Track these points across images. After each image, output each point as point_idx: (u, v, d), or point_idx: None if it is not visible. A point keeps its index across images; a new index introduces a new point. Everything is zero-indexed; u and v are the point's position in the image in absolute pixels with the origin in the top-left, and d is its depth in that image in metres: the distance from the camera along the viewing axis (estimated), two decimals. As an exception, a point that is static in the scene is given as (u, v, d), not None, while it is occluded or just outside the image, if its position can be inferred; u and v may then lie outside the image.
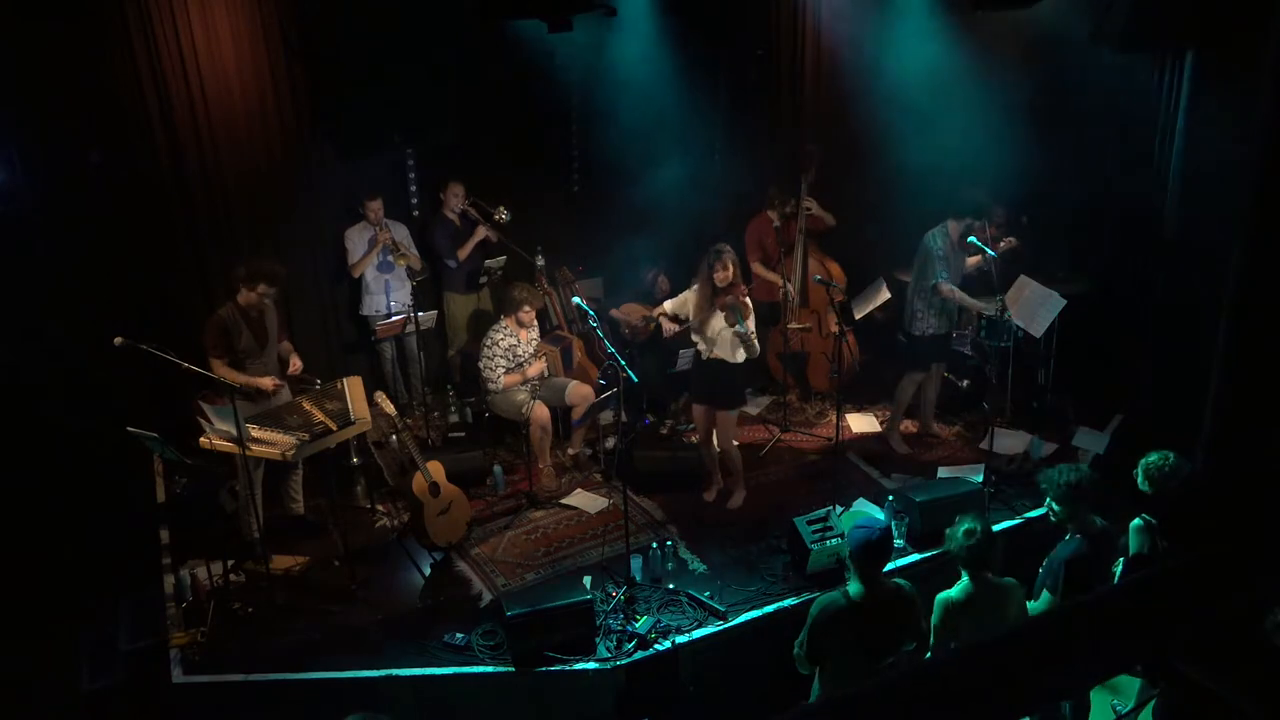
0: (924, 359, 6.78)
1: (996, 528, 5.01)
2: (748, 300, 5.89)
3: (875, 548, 3.96)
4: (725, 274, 5.74)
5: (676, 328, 6.17)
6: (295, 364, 5.96)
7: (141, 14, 6.12)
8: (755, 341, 5.87)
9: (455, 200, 7.33)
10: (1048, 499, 4.51)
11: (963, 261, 6.63)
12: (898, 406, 7.01)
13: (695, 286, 5.95)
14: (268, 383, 5.69)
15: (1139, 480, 4.62)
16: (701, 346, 6.01)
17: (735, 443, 6.27)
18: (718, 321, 5.83)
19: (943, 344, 6.76)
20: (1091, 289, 7.00)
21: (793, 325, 7.59)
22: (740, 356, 5.91)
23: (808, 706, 1.37)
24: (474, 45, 7.15)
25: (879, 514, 5.98)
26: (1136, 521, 4.51)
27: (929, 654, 4.23)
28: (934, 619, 4.20)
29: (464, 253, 7.33)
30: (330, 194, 7.15)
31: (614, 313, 7.60)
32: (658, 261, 7.87)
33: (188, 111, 6.40)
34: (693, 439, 7.15)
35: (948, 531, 4.28)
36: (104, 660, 5.01)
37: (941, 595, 4.21)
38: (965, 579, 4.18)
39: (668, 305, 6.15)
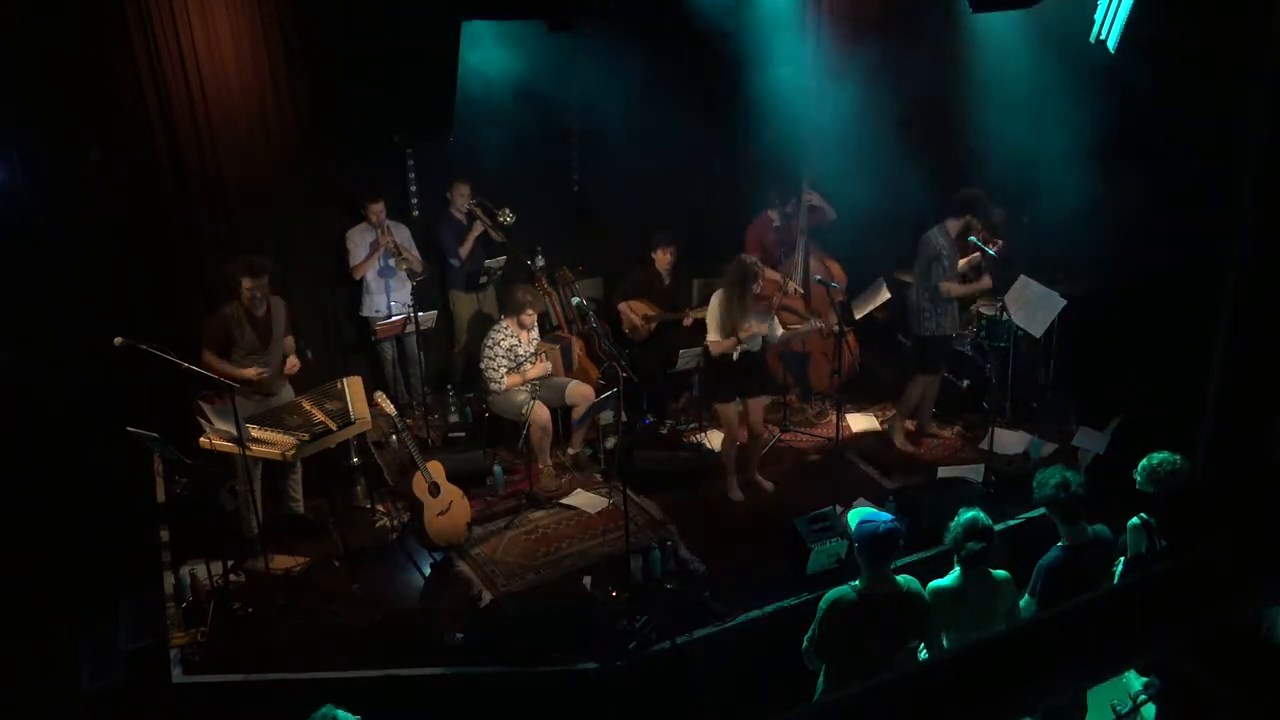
0: (935, 360, 6.78)
1: (996, 528, 5.01)
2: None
3: (880, 542, 3.94)
4: (759, 285, 6.10)
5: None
6: (291, 363, 5.96)
7: (141, 14, 6.12)
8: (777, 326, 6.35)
9: (461, 199, 7.33)
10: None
11: (956, 260, 6.63)
12: (904, 406, 7.00)
13: (723, 299, 6.04)
14: (250, 372, 5.67)
15: (1138, 480, 4.61)
16: (730, 347, 6.07)
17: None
18: (756, 324, 6.05)
19: (949, 345, 6.77)
20: (1091, 289, 6.99)
21: (794, 325, 7.58)
22: (758, 344, 6.18)
23: (808, 707, 1.37)
24: (474, 45, 7.14)
25: (879, 514, 5.98)
26: (1134, 521, 4.50)
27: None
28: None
29: (465, 249, 7.34)
30: (330, 194, 7.14)
31: (620, 305, 7.57)
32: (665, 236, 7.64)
33: (188, 111, 6.39)
34: (695, 439, 7.16)
35: (950, 525, 4.28)
36: (104, 660, 5.01)
37: (933, 584, 4.19)
38: (957, 570, 4.17)
39: (711, 329, 6.14)
